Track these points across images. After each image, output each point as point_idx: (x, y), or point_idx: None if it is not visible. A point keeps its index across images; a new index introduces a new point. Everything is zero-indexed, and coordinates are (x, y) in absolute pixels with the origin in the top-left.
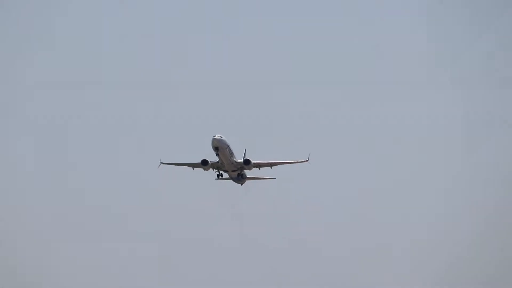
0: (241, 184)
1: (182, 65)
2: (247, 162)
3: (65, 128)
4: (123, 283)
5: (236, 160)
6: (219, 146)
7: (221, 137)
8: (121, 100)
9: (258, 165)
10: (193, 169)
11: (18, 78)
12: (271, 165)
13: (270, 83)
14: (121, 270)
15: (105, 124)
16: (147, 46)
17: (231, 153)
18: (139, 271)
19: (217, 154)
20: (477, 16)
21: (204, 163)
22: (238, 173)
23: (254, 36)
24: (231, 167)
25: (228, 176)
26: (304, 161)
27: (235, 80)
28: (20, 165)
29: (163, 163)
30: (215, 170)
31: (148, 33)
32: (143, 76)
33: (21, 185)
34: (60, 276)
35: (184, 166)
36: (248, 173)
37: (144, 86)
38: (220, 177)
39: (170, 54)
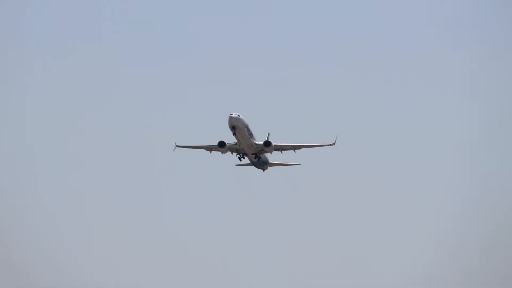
0: (263, 170)
1: (199, 44)
2: (267, 144)
3: (76, 111)
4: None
5: (256, 142)
6: (236, 125)
7: (238, 115)
8: (135, 79)
9: (280, 148)
10: (210, 152)
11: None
12: (294, 148)
13: (296, 62)
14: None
15: (119, 107)
16: (162, 26)
17: (250, 134)
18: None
19: (234, 134)
20: None
21: (221, 145)
22: (256, 155)
23: (273, 16)
24: (251, 150)
25: (249, 162)
26: (330, 145)
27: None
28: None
29: (179, 146)
30: (234, 153)
31: (161, 7)
32: (158, 56)
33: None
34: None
35: (201, 150)
36: (271, 158)
37: (160, 66)
38: (242, 159)
39: (186, 33)
